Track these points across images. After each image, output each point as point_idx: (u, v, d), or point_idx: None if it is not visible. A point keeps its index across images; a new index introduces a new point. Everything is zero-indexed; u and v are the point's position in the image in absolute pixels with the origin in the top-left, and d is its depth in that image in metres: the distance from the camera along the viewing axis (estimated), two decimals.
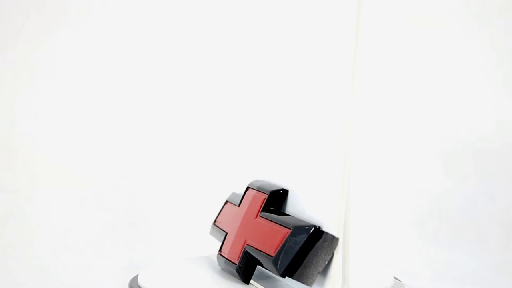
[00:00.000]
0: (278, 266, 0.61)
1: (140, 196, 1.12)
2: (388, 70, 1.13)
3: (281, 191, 0.69)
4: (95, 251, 1.00)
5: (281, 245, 0.62)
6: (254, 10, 0.77)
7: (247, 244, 0.67)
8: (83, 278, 0.91)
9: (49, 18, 1.16)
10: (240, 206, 0.73)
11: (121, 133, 1.16)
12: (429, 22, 1.16)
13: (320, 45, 0.66)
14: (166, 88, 1.18)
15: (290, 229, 0.63)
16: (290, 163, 0.69)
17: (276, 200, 0.69)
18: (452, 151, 1.13)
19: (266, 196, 0.69)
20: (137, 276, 0.71)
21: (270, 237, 0.64)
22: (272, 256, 0.62)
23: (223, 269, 0.71)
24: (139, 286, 0.69)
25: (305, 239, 0.61)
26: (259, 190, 0.71)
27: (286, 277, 0.64)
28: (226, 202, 0.78)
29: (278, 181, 0.71)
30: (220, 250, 0.71)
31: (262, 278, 0.69)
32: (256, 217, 0.68)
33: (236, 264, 0.67)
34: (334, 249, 0.60)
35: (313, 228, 0.62)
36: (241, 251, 0.67)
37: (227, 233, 0.72)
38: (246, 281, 0.67)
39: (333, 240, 0.60)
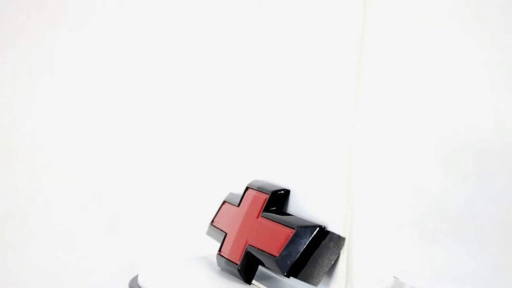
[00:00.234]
0: (282, 266, 0.61)
1: (140, 196, 1.12)
2: (389, 70, 1.13)
3: (283, 191, 0.69)
4: (95, 251, 1.00)
5: (285, 245, 0.62)
6: (255, 9, 0.77)
7: (249, 244, 0.67)
8: (83, 278, 0.91)
9: (49, 18, 1.16)
10: (240, 206, 0.73)
11: (121, 133, 1.16)
12: (429, 22, 1.16)
13: (323, 44, 0.66)
14: (165, 88, 1.18)
15: (294, 229, 0.63)
16: (291, 163, 0.69)
17: (277, 200, 0.69)
18: (452, 151, 1.13)
19: (268, 196, 0.69)
20: (137, 276, 0.71)
21: (273, 237, 0.64)
22: (276, 256, 0.62)
23: (222, 269, 0.71)
24: (139, 286, 0.69)
25: (310, 239, 0.61)
26: (260, 190, 0.70)
27: (288, 277, 0.64)
28: (224, 202, 0.78)
29: (279, 181, 0.71)
30: (219, 250, 0.71)
31: (264, 278, 0.69)
32: (257, 217, 0.68)
33: (237, 265, 0.67)
34: (341, 249, 0.60)
35: (318, 228, 0.62)
36: (243, 251, 0.67)
37: (226, 234, 0.72)
38: (248, 281, 0.67)
39: (340, 240, 0.61)
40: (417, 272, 0.97)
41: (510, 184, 1.09)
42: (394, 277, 0.72)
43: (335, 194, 0.62)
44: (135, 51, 1.18)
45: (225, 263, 0.69)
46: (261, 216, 0.68)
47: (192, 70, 1.19)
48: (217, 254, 0.71)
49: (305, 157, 0.67)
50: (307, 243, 0.61)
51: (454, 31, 1.16)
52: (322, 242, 0.61)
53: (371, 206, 0.63)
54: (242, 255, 0.67)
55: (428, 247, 1.04)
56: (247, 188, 0.73)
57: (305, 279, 0.61)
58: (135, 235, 1.06)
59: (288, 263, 0.61)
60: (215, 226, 0.77)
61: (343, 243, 0.61)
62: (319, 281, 0.60)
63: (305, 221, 0.64)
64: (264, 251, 0.65)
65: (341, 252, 0.60)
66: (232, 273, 0.69)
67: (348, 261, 0.61)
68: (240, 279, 0.67)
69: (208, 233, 0.78)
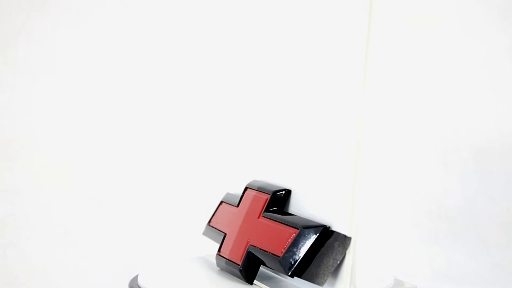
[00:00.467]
0: (286, 266, 0.61)
1: (140, 196, 1.12)
2: (389, 70, 1.13)
3: (284, 191, 0.69)
4: (95, 251, 1.00)
5: (289, 245, 0.62)
6: (255, 7, 0.77)
7: (250, 244, 0.67)
8: (83, 278, 0.91)
9: (49, 18, 1.16)
10: (239, 206, 0.72)
11: (121, 134, 1.16)
12: (430, 22, 1.17)
13: (326, 43, 0.66)
14: (164, 88, 1.18)
15: (298, 229, 0.63)
16: (291, 164, 0.69)
17: (278, 201, 0.69)
18: (452, 151, 1.13)
19: (268, 196, 0.69)
20: (137, 276, 0.71)
21: (276, 237, 0.64)
22: (279, 256, 0.62)
23: (222, 270, 0.71)
24: (139, 286, 0.68)
25: (314, 239, 0.61)
26: (260, 190, 0.70)
27: (290, 277, 0.64)
28: (221, 202, 0.78)
29: (278, 182, 0.71)
30: (219, 250, 0.71)
31: (265, 279, 0.69)
32: (258, 218, 0.68)
33: (238, 265, 0.67)
34: (347, 248, 0.60)
35: (323, 228, 0.62)
36: (244, 251, 0.67)
37: (226, 234, 0.72)
38: (250, 282, 0.67)
39: (346, 240, 0.60)
40: (417, 272, 0.97)
41: (510, 184, 1.09)
42: (395, 277, 0.72)
43: (340, 194, 0.62)
44: (135, 52, 1.18)
45: (226, 264, 0.69)
46: (262, 216, 0.68)
47: (191, 70, 1.19)
48: (217, 254, 0.71)
49: (307, 157, 0.67)
50: (311, 243, 0.61)
51: (455, 31, 1.16)
52: (327, 242, 0.61)
53: (373, 206, 0.63)
54: (244, 255, 0.67)
55: (428, 247, 1.04)
56: (246, 188, 0.73)
57: (310, 279, 0.61)
58: (135, 235, 1.06)
59: (292, 263, 0.61)
60: (212, 227, 0.76)
61: (349, 243, 0.61)
62: (325, 281, 0.60)
63: (309, 221, 0.64)
64: (266, 251, 0.64)
65: (347, 252, 0.60)
66: (232, 273, 0.69)
67: (353, 261, 0.61)
68: (241, 279, 0.67)
69: (205, 233, 0.78)
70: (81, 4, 1.17)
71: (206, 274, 0.71)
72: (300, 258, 0.61)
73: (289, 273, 0.61)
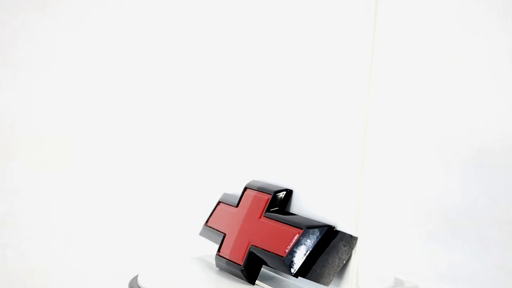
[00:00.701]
0: (290, 266, 0.61)
1: (140, 197, 1.12)
2: (390, 70, 1.13)
3: (286, 192, 0.69)
4: (95, 251, 1.00)
5: (293, 245, 0.62)
6: (258, 7, 0.77)
7: (252, 245, 0.66)
8: (83, 278, 0.91)
9: (49, 18, 1.16)
10: (239, 206, 0.72)
11: (120, 135, 1.16)
12: (430, 24, 1.17)
13: (329, 43, 0.66)
14: (162, 90, 1.18)
15: (302, 229, 0.62)
16: (293, 164, 0.69)
17: (280, 201, 0.68)
18: (452, 152, 1.13)
19: (270, 196, 0.68)
20: (137, 276, 0.71)
21: (279, 238, 0.64)
22: (283, 256, 0.62)
23: (222, 270, 0.71)
24: (139, 286, 0.68)
25: (318, 239, 0.61)
26: (261, 190, 0.70)
27: (292, 277, 0.63)
28: (219, 203, 0.77)
29: (278, 182, 0.71)
30: (218, 251, 0.71)
31: (266, 279, 0.68)
32: (259, 218, 0.68)
33: (240, 265, 0.67)
34: (353, 248, 0.60)
35: (328, 227, 0.62)
36: (245, 251, 0.67)
37: (225, 234, 0.72)
38: (252, 282, 0.66)
39: (352, 240, 0.60)
40: (417, 272, 0.97)
41: (510, 185, 1.09)
42: (395, 277, 0.72)
43: (344, 195, 0.62)
44: (134, 52, 1.18)
45: (226, 264, 0.69)
46: (264, 216, 0.68)
47: (190, 69, 1.19)
48: (216, 254, 0.71)
49: (309, 158, 0.67)
50: (316, 243, 0.61)
51: (456, 32, 1.16)
52: (332, 242, 0.61)
53: (376, 206, 0.63)
54: (245, 255, 0.67)
55: (428, 247, 1.04)
56: (245, 189, 0.73)
57: (315, 279, 0.60)
58: (135, 236, 1.06)
59: (296, 263, 0.61)
60: (210, 227, 0.76)
61: (356, 243, 0.60)
62: (330, 281, 0.60)
63: (313, 221, 0.63)
64: (269, 251, 0.64)
65: (353, 252, 0.60)
66: (233, 274, 0.68)
67: (358, 261, 0.61)
68: (242, 280, 0.67)
69: (202, 233, 0.78)
70: (80, 5, 1.17)
71: (206, 274, 0.71)
72: (305, 258, 0.61)
73: (293, 273, 0.61)
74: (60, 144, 1.14)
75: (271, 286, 0.66)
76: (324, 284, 0.60)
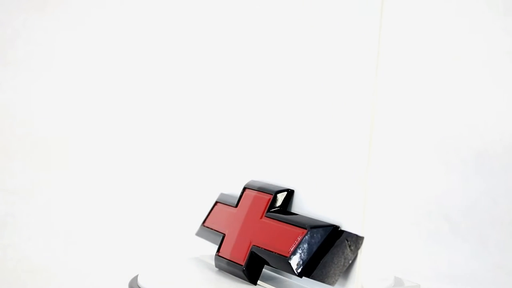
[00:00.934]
0: (295, 266, 0.61)
1: (140, 197, 1.12)
2: (391, 71, 1.13)
3: (287, 192, 0.69)
4: (95, 251, 1.00)
5: (297, 245, 0.62)
6: (259, 7, 0.77)
7: (254, 245, 0.66)
8: (83, 278, 0.91)
9: (49, 18, 1.16)
10: (238, 207, 0.72)
11: (121, 135, 1.16)
12: (431, 24, 1.16)
13: (332, 42, 0.66)
14: (160, 90, 1.18)
15: (306, 229, 0.62)
16: (294, 164, 0.69)
17: (281, 201, 0.68)
18: (453, 152, 1.13)
19: (271, 196, 0.68)
20: (137, 276, 0.71)
21: (282, 238, 0.64)
22: (286, 256, 0.62)
23: (222, 270, 0.71)
24: (139, 286, 0.68)
25: (323, 238, 0.61)
26: (261, 190, 0.70)
27: (294, 277, 0.63)
28: (216, 203, 0.77)
29: (278, 182, 0.71)
30: (218, 251, 0.71)
31: (268, 279, 0.68)
32: (261, 218, 0.68)
33: (241, 265, 0.67)
34: (359, 248, 0.60)
35: (332, 227, 0.62)
36: (247, 252, 0.67)
37: (224, 235, 0.71)
38: (254, 282, 0.66)
39: (358, 240, 0.60)
40: (417, 272, 0.97)
41: (510, 185, 1.09)
42: (395, 276, 0.72)
43: (350, 194, 0.62)
44: (133, 52, 1.18)
45: (227, 264, 0.69)
46: (265, 216, 0.68)
47: (189, 69, 1.19)
48: (216, 255, 0.71)
49: (311, 158, 0.67)
50: (320, 242, 0.61)
51: (456, 32, 1.16)
52: (337, 241, 0.61)
53: (379, 205, 0.63)
54: (247, 255, 0.67)
55: (428, 246, 1.04)
56: (244, 189, 0.73)
57: (320, 279, 0.60)
58: (135, 236, 1.06)
59: (301, 263, 0.61)
60: (208, 227, 0.76)
61: (362, 243, 0.60)
62: (336, 280, 0.60)
63: (316, 220, 0.63)
64: (272, 251, 0.64)
65: (359, 251, 0.60)
66: (234, 274, 0.68)
67: (363, 260, 0.61)
68: (244, 280, 0.67)
69: (199, 234, 0.77)
70: (80, 5, 1.17)
71: (206, 275, 0.71)
72: (309, 258, 0.61)
73: (298, 273, 0.61)
74: (60, 144, 1.14)
75: (273, 286, 0.66)
76: (330, 284, 0.60)
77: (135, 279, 0.71)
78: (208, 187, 0.85)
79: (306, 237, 0.62)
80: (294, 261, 0.61)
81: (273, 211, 0.68)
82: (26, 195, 1.09)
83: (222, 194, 0.78)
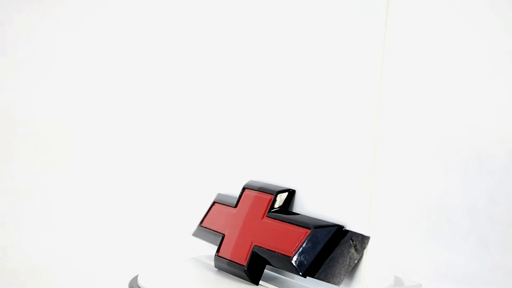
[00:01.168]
0: (299, 266, 0.61)
1: (140, 197, 1.12)
2: (391, 70, 1.13)
3: (289, 192, 0.69)
4: (95, 251, 1.00)
5: (300, 245, 0.62)
6: (261, 6, 0.77)
7: (255, 245, 0.66)
8: (83, 278, 0.91)
9: (49, 18, 1.16)
10: (238, 207, 0.72)
11: (120, 134, 1.16)
12: (429, 23, 1.16)
13: (336, 42, 0.66)
14: (159, 91, 1.18)
15: (309, 229, 0.62)
16: (296, 164, 0.69)
17: (282, 201, 0.68)
18: (453, 152, 1.13)
19: (272, 197, 0.68)
20: (137, 276, 0.71)
21: (285, 238, 0.64)
22: (290, 256, 0.62)
23: (222, 271, 0.71)
24: (139, 286, 0.68)
25: (327, 238, 0.61)
26: (262, 191, 0.70)
27: (296, 277, 0.63)
28: (214, 203, 0.77)
29: (279, 182, 0.71)
30: (218, 251, 0.71)
31: (269, 279, 0.68)
32: (262, 218, 0.68)
33: (243, 266, 0.67)
34: (365, 248, 0.60)
35: (337, 227, 0.62)
36: (248, 252, 0.67)
37: (224, 235, 0.71)
38: (256, 282, 0.66)
39: (364, 239, 0.60)
40: (417, 272, 0.97)
41: (510, 185, 1.09)
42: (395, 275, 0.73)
43: (355, 194, 0.61)
44: (133, 52, 1.18)
45: (227, 264, 0.69)
46: (267, 216, 0.68)
47: (190, 68, 1.19)
48: (216, 255, 0.71)
49: (313, 158, 0.67)
50: (324, 242, 0.61)
51: (456, 32, 1.16)
52: (342, 241, 0.61)
53: (381, 205, 0.63)
54: (248, 256, 0.67)
55: (428, 247, 1.04)
56: (244, 189, 0.73)
57: (325, 279, 0.60)
58: (135, 236, 1.06)
59: (305, 263, 0.61)
60: (206, 228, 0.76)
61: (367, 242, 0.60)
62: (341, 280, 0.60)
63: (320, 220, 0.63)
64: (275, 252, 0.64)
65: (365, 251, 0.60)
66: (235, 274, 0.68)
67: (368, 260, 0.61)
68: (245, 280, 0.67)
69: (196, 234, 0.77)
70: (80, 5, 1.17)
71: (206, 275, 0.71)
72: (313, 258, 0.61)
73: (302, 273, 0.61)
74: (60, 144, 1.14)
75: (275, 286, 0.66)
76: (335, 284, 0.60)
77: (135, 279, 0.71)
78: (204, 187, 0.85)
79: (310, 237, 0.62)
80: (298, 261, 0.61)
81: (274, 211, 0.68)
82: (26, 195, 1.09)
83: (219, 194, 0.78)
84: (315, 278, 0.61)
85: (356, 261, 0.60)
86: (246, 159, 0.76)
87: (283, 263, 0.63)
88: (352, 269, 0.61)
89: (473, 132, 1.13)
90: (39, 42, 1.16)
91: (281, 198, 0.68)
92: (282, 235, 0.64)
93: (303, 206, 0.67)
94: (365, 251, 0.60)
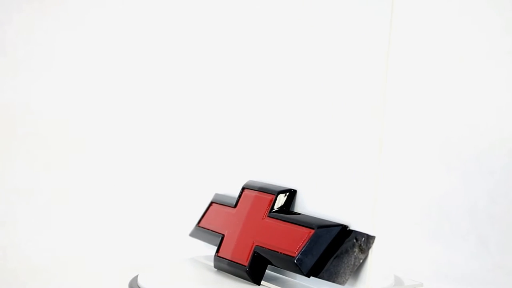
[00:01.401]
0: (302, 266, 0.61)
1: (140, 197, 1.12)
2: (391, 70, 1.13)
3: (290, 192, 0.68)
4: (95, 251, 1.00)
5: (304, 245, 0.62)
6: (262, 6, 0.77)
7: (257, 245, 0.66)
8: (83, 279, 0.91)
9: (49, 18, 1.16)
10: (237, 207, 0.72)
11: (120, 134, 1.16)
12: (430, 23, 1.16)
13: (339, 42, 0.66)
14: (158, 91, 1.18)
15: (313, 229, 0.62)
16: (298, 165, 0.69)
17: (284, 201, 0.68)
18: (454, 152, 1.13)
19: (273, 197, 0.68)
20: (137, 276, 0.71)
21: (288, 238, 0.64)
22: (293, 256, 0.62)
23: (222, 271, 0.70)
24: (138, 286, 0.68)
25: (331, 238, 0.61)
26: (262, 191, 0.70)
27: (298, 277, 0.63)
28: (212, 203, 0.77)
29: (279, 182, 0.71)
30: (217, 252, 0.71)
31: (271, 279, 0.68)
32: (263, 218, 0.68)
33: (244, 266, 0.66)
34: (370, 247, 0.60)
35: (340, 227, 0.62)
36: (250, 252, 0.66)
37: (223, 235, 0.71)
38: (257, 282, 0.66)
39: (369, 239, 0.60)
40: (417, 272, 0.97)
41: (510, 185, 1.09)
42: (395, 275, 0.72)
43: (360, 193, 0.61)
44: (133, 52, 1.18)
45: (228, 265, 0.69)
46: (268, 216, 0.67)
47: (190, 68, 1.19)
48: (215, 255, 0.71)
49: (316, 158, 0.66)
50: (328, 242, 0.61)
51: (456, 32, 1.16)
52: (346, 241, 0.61)
53: (385, 205, 0.63)
54: (250, 256, 0.66)
55: (428, 247, 1.04)
56: (243, 189, 0.72)
57: (329, 279, 0.60)
58: (135, 236, 1.06)
59: (309, 263, 0.61)
60: (204, 228, 0.75)
61: (373, 242, 0.60)
62: (346, 280, 0.60)
63: (324, 220, 0.63)
64: (277, 252, 0.64)
65: (370, 251, 0.60)
66: (236, 274, 0.68)
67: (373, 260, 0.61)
68: (246, 280, 0.67)
69: (194, 234, 0.77)
70: (80, 5, 1.17)
71: (206, 275, 0.71)
72: (317, 257, 0.61)
73: (306, 273, 0.61)
74: (60, 144, 1.14)
75: (278, 286, 0.66)
76: (340, 283, 0.60)
77: (135, 279, 0.71)
78: (202, 187, 0.85)
79: (314, 236, 0.62)
80: (302, 261, 0.61)
81: (275, 211, 0.68)
82: (26, 195, 1.09)
83: (217, 195, 0.78)
84: (318, 277, 0.61)
85: (361, 261, 0.60)
86: (244, 159, 0.76)
87: (286, 263, 0.63)
88: (357, 269, 0.61)
89: (473, 132, 1.13)
90: (39, 42, 1.16)
91: (282, 198, 0.68)
92: (284, 235, 0.64)
93: (304, 206, 0.67)
94: (370, 251, 0.60)
